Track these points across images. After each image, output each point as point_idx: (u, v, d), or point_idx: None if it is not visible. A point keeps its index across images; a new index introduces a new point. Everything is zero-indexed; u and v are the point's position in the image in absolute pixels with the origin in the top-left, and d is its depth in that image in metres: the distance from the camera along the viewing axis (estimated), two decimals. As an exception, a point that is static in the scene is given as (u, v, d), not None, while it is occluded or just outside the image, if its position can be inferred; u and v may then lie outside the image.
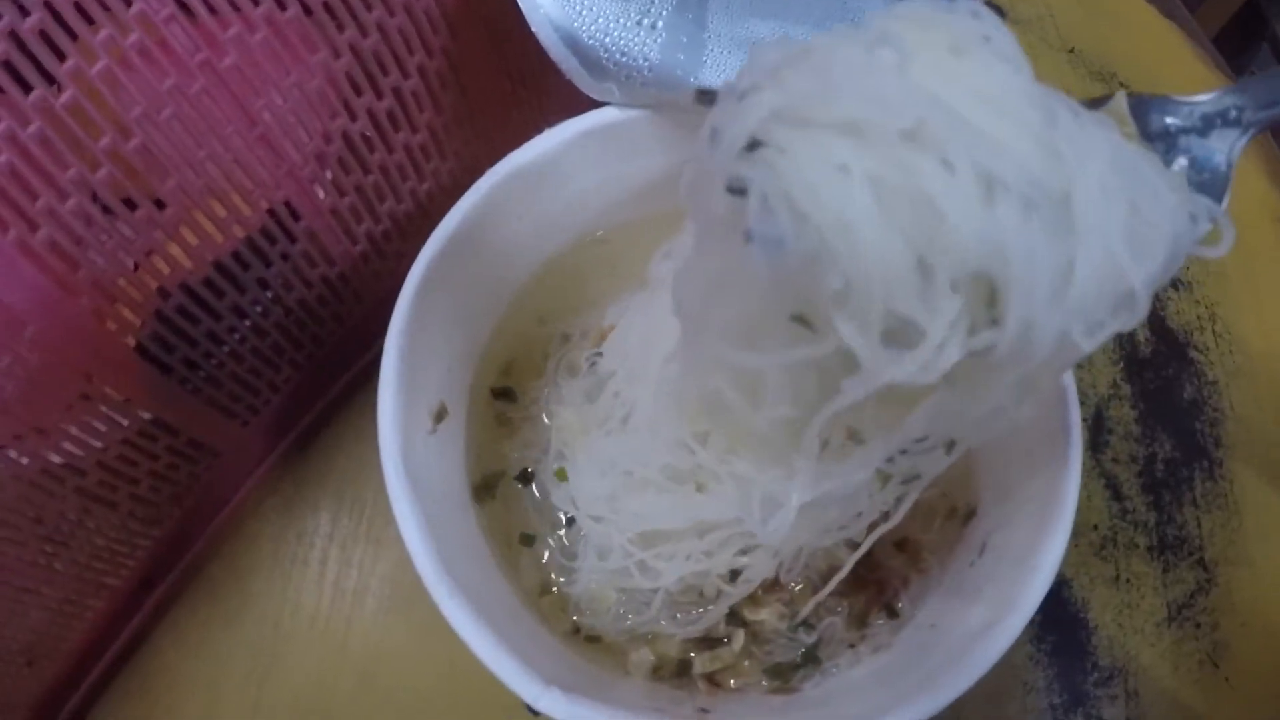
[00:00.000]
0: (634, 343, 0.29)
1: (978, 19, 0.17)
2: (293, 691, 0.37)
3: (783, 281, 0.16)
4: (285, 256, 0.36)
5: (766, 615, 0.27)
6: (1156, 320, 0.46)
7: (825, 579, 0.26)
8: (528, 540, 0.31)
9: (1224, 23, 0.84)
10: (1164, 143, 0.19)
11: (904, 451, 0.21)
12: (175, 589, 0.39)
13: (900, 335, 0.15)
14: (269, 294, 0.36)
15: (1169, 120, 0.19)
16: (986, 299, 0.15)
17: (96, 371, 0.30)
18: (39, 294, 0.27)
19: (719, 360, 0.20)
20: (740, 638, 0.27)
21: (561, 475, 0.30)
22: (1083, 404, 0.43)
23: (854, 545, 0.25)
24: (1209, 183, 0.19)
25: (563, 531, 0.31)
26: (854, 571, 0.27)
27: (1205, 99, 0.19)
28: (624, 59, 0.29)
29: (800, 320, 0.17)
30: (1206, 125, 0.19)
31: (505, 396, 0.34)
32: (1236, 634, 0.40)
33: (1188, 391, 0.45)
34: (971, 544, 0.28)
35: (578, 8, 0.27)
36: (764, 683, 0.28)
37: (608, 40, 0.28)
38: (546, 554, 0.31)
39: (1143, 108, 0.19)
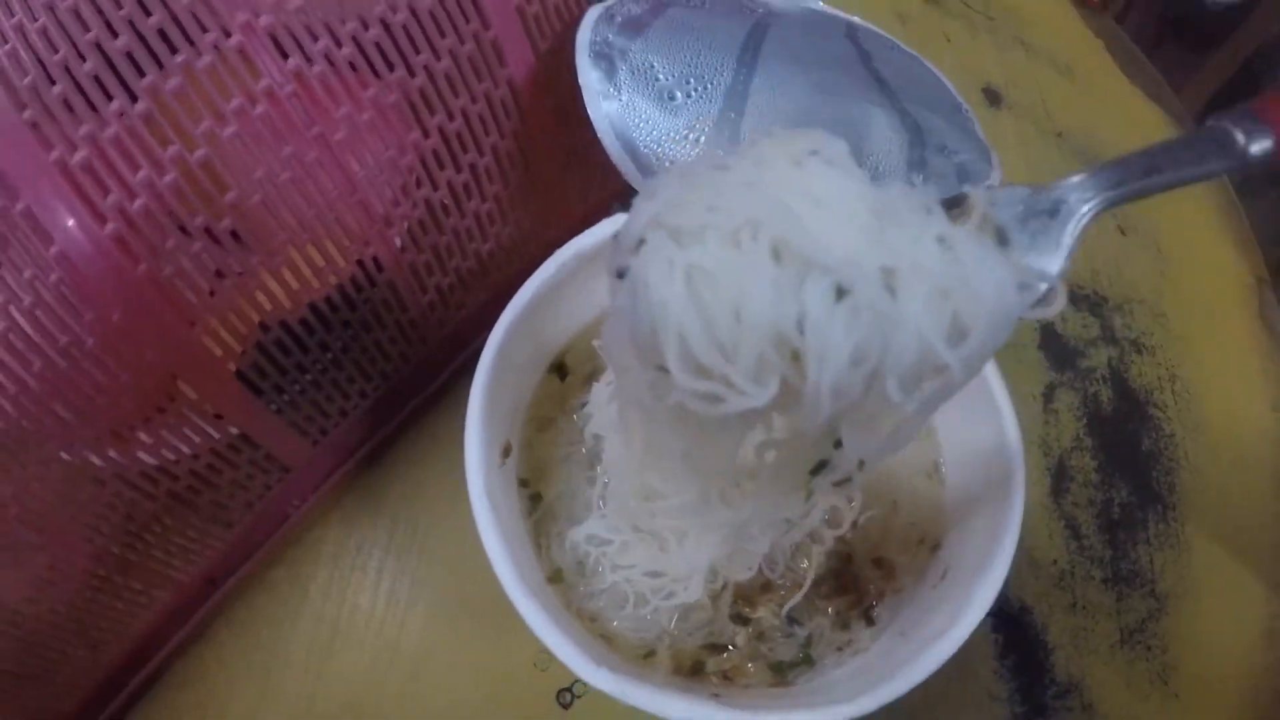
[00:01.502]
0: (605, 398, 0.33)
1: (809, 137, 0.21)
2: (345, 685, 0.40)
3: (641, 343, 0.20)
4: (367, 301, 0.41)
5: (764, 613, 0.33)
6: (1119, 382, 0.52)
7: (814, 584, 0.32)
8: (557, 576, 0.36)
9: (1218, 86, 0.88)
10: (1018, 225, 0.22)
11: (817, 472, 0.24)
12: (238, 588, 0.42)
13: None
14: (350, 332, 0.42)
15: (1021, 206, 0.22)
16: (793, 359, 0.19)
17: (202, 390, 0.35)
18: (159, 321, 0.31)
19: (636, 401, 0.24)
20: (743, 636, 0.32)
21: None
22: (1046, 455, 0.49)
23: (837, 556, 0.31)
24: (1052, 257, 0.22)
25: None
26: (839, 580, 0.33)
27: (1056, 185, 0.23)
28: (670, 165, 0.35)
29: (662, 369, 0.21)
30: (1054, 208, 0.22)
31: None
32: (1185, 656, 0.44)
33: (1146, 444, 0.50)
34: (937, 570, 0.34)
35: (636, 120, 0.34)
36: (767, 679, 0.33)
37: (659, 149, 0.34)
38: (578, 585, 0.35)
39: (1000, 197, 0.22)
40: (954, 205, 0.21)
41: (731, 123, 0.35)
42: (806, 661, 0.33)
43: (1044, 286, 0.21)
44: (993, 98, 0.61)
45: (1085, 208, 0.23)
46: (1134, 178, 0.22)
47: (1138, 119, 0.63)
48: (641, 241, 0.20)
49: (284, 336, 0.38)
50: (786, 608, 0.33)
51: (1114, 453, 0.50)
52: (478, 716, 0.41)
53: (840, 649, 0.33)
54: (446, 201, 0.40)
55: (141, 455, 0.34)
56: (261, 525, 0.42)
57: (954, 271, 0.19)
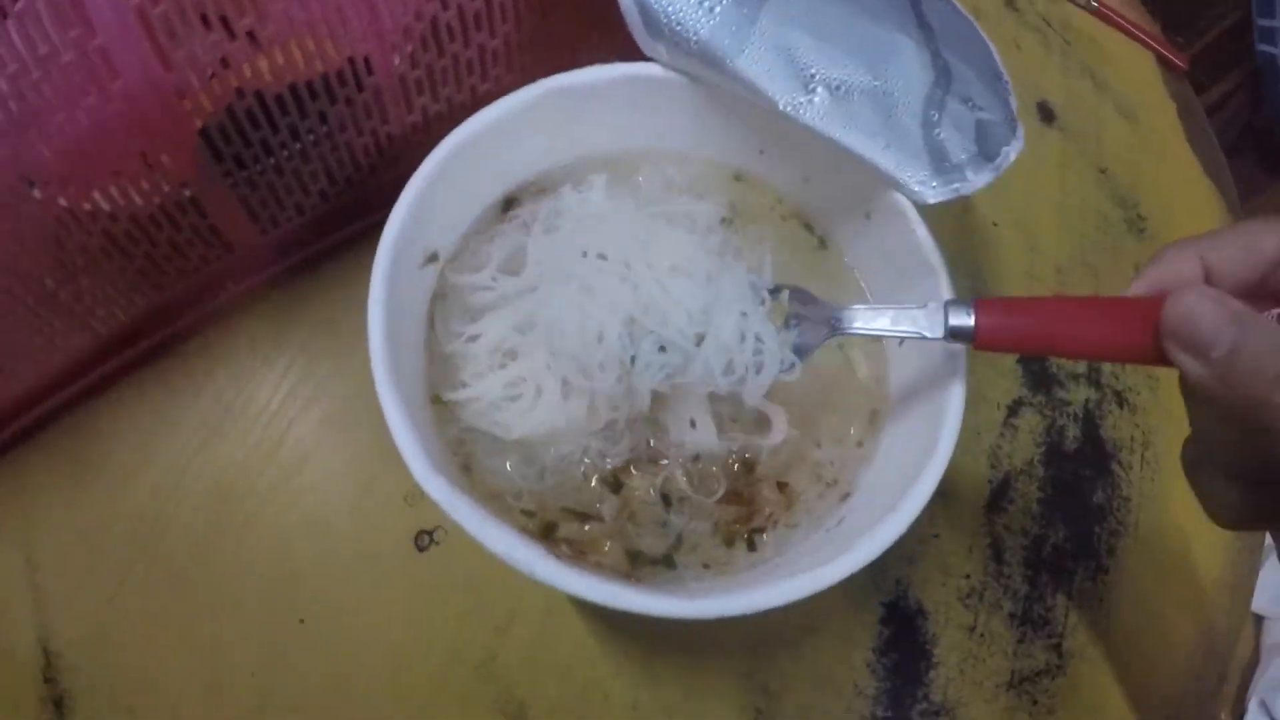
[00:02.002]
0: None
1: (678, 255, 0.32)
2: (221, 466, 0.41)
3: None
4: (349, 102, 0.40)
5: (639, 484, 0.31)
6: (1090, 426, 0.49)
7: (704, 482, 0.30)
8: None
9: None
10: (796, 318, 0.31)
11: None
12: (152, 353, 0.42)
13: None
14: (325, 128, 0.41)
15: (801, 310, 0.31)
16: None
17: (163, 138, 0.34)
18: (141, 58, 0.31)
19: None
20: (610, 507, 0.30)
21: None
22: (994, 467, 0.46)
23: (737, 466, 0.29)
24: (805, 349, 0.31)
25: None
26: (732, 489, 0.30)
27: (825, 306, 0.31)
28: (679, 28, 0.34)
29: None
30: (818, 319, 0.31)
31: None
32: (1069, 723, 0.42)
33: (1098, 497, 0.48)
34: (835, 517, 0.32)
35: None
36: (621, 566, 0.31)
37: (670, 8, 0.33)
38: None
39: (797, 296, 0.32)
40: (775, 292, 0.32)
41: (752, 6, 0.33)
42: (667, 563, 0.31)
43: (792, 362, 0.31)
44: (1046, 114, 0.59)
45: (829, 332, 0.31)
46: (867, 324, 0.31)
47: (1189, 188, 0.61)
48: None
49: (256, 107, 0.37)
50: (660, 480, 0.31)
51: (1063, 492, 0.47)
52: (332, 534, 0.40)
53: (707, 565, 0.31)
54: (454, 24, 0.39)
55: (95, 196, 0.34)
56: (191, 296, 0.42)
57: (740, 337, 0.30)
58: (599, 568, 0.30)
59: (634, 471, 0.31)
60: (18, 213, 0.33)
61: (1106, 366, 0.51)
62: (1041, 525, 0.46)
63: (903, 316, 0.29)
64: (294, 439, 0.42)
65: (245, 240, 0.42)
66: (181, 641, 0.37)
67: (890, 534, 0.26)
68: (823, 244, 0.38)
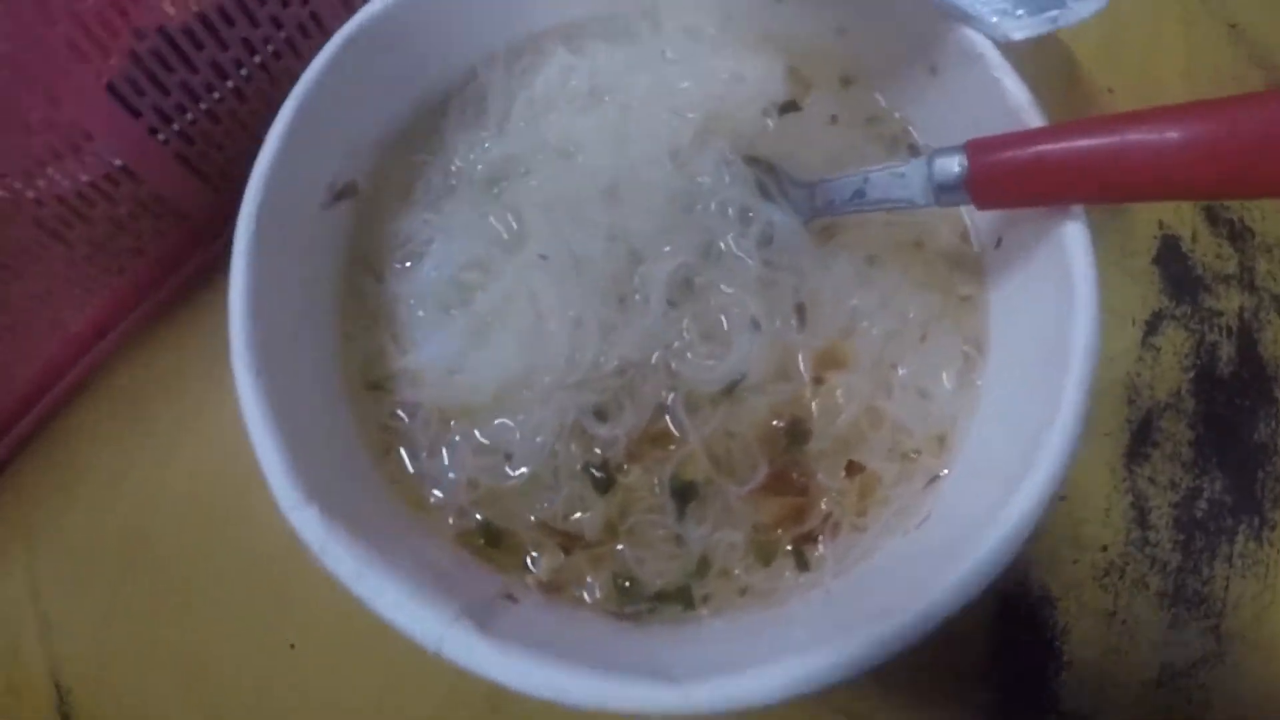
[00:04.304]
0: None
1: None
2: (194, 479, 0.37)
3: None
4: (277, 23, 0.35)
5: (637, 476, 0.22)
6: (1247, 341, 0.39)
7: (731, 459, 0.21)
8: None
9: None
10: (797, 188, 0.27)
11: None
12: (125, 339, 0.39)
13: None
14: (256, 59, 0.36)
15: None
16: None
17: (67, 103, 0.30)
18: (16, 14, 0.27)
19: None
20: (599, 513, 0.21)
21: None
22: (1131, 403, 0.37)
23: (781, 429, 0.20)
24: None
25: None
26: (779, 471, 0.21)
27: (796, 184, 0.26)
28: None
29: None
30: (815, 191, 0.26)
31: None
32: (1230, 725, 0.33)
33: (1260, 433, 0.37)
34: (919, 511, 0.23)
35: None
36: (611, 601, 0.22)
37: None
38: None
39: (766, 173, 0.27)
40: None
41: None
42: (680, 599, 0.22)
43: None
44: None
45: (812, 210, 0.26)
46: (835, 198, 0.25)
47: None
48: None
49: (164, 47, 0.32)
50: (672, 466, 0.22)
51: (1218, 429, 0.37)
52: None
53: (743, 592, 0.22)
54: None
55: (11, 182, 0.31)
56: (153, 276, 0.39)
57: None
58: (574, 609, 0.22)
59: (632, 466, 0.23)
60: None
61: (1261, 263, 0.40)
62: (1195, 475, 0.36)
63: (880, 182, 0.23)
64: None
65: (197, 203, 0.38)
66: (177, 668, 0.35)
67: (1005, 540, 0.17)
68: (875, 119, 0.29)
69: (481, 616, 0.16)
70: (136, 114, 0.33)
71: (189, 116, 0.35)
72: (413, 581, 0.17)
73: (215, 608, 0.35)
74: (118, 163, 0.34)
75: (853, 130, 0.28)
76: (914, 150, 0.27)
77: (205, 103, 0.35)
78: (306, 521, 0.18)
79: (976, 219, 0.26)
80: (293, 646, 0.35)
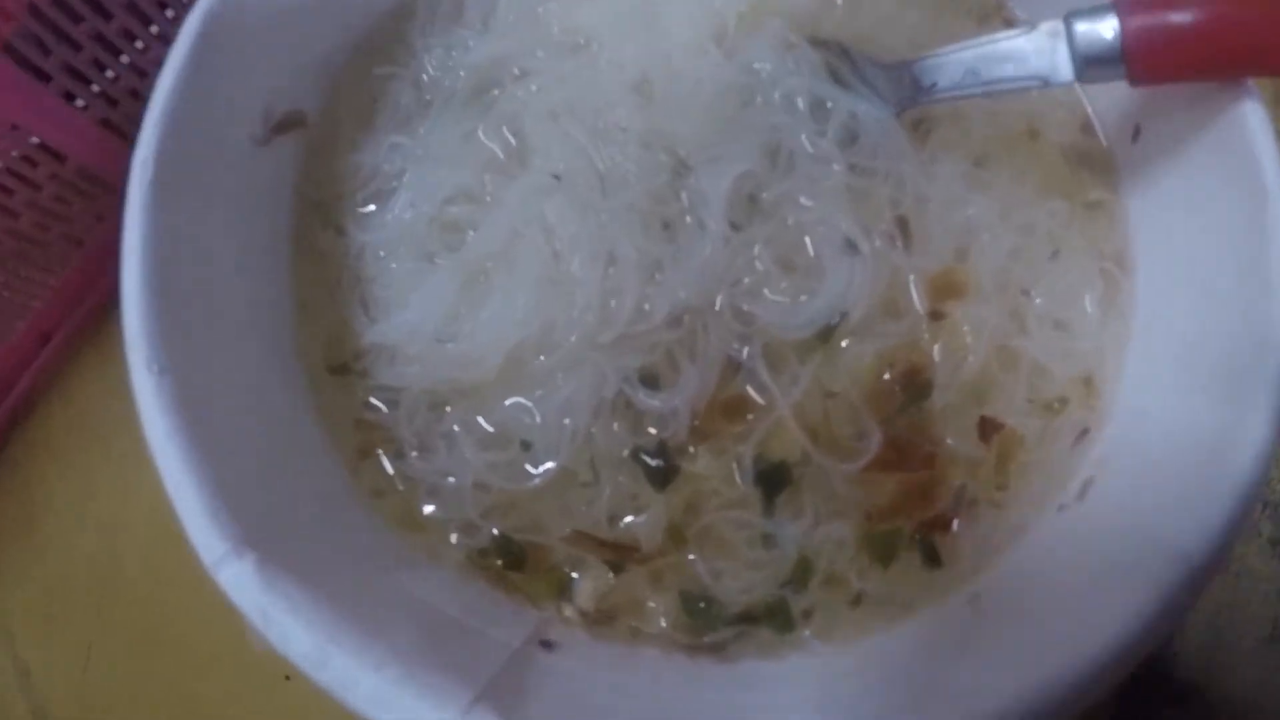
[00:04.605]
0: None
1: None
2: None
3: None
4: None
5: (706, 461, 0.17)
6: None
7: (850, 444, 0.16)
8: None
9: None
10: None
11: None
12: (71, 343, 0.37)
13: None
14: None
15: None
16: None
17: None
18: None
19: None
20: (658, 510, 0.17)
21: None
22: None
23: (893, 379, 0.15)
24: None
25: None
26: (893, 437, 0.16)
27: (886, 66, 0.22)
28: None
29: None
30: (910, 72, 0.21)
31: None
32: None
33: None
34: (1076, 476, 0.18)
35: None
36: (680, 628, 0.17)
37: None
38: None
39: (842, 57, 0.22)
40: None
41: None
42: (775, 619, 0.17)
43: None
44: None
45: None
46: (949, 85, 0.21)
47: None
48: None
49: None
50: (753, 444, 0.17)
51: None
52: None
53: (857, 602, 0.17)
54: None
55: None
56: (97, 267, 0.36)
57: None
58: (632, 646, 0.17)
59: (699, 447, 0.17)
60: None
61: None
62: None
63: (996, 54, 0.19)
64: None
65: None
66: (166, 705, 0.34)
67: (1231, 511, 0.13)
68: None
69: (507, 696, 0.12)
70: (46, 77, 0.29)
71: (109, 73, 0.31)
72: (403, 654, 0.12)
73: (201, 639, 0.33)
74: (35, 140, 0.30)
75: (936, 3, 0.22)
76: (1009, 25, 0.22)
77: (127, 54, 0.31)
78: (239, 579, 0.13)
79: (1101, 105, 0.21)
80: (288, 678, 0.32)
